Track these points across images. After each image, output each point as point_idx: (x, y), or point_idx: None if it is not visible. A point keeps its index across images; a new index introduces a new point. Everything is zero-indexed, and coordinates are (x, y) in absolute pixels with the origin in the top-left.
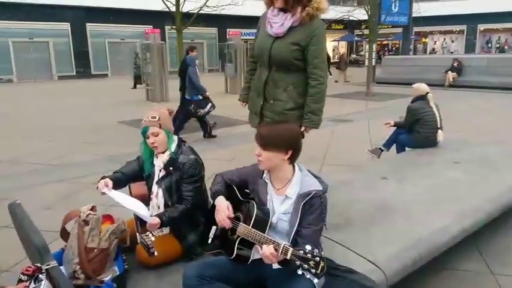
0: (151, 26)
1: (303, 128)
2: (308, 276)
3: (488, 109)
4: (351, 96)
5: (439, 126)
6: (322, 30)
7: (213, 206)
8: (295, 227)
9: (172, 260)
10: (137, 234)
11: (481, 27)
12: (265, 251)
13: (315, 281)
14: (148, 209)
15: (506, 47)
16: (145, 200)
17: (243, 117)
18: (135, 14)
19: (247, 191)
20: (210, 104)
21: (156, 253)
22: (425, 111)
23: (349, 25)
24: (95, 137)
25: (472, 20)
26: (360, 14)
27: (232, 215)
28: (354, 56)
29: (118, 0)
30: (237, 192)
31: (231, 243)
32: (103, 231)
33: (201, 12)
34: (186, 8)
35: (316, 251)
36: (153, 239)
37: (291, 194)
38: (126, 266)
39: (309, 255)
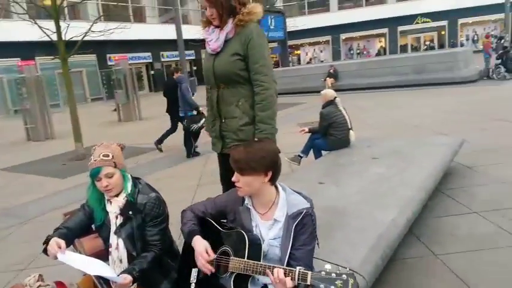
0: (19, 59)
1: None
2: None
3: (369, 107)
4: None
5: (350, 127)
6: (258, 34)
7: (188, 246)
8: (289, 250)
9: None
10: None
11: (343, 36)
12: (278, 280)
13: None
14: (108, 265)
15: (365, 52)
16: (102, 255)
17: (147, 145)
18: None
19: (224, 221)
20: (203, 119)
21: None
22: (336, 115)
23: None
24: None
25: (335, 30)
26: None
27: (212, 258)
28: None
29: None
30: (215, 224)
31: (225, 282)
32: None
33: (84, 39)
34: (68, 35)
35: (340, 268)
36: None
37: (280, 216)
38: None
39: (334, 275)
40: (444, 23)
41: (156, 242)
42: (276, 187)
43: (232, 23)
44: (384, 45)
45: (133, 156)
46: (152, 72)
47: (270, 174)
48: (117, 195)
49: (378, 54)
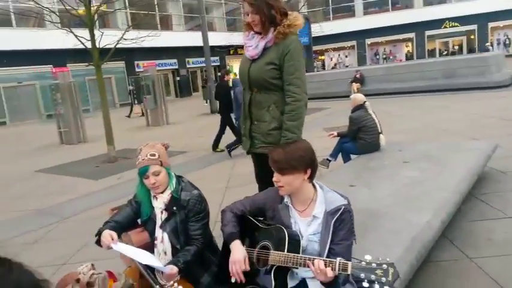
0: (51, 65)
1: None
2: (377, 286)
3: (397, 112)
4: None
5: (380, 131)
6: (296, 48)
7: (225, 244)
8: (328, 245)
9: None
10: (157, 287)
11: (368, 41)
12: (319, 270)
13: None
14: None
15: (391, 57)
16: (148, 248)
17: (175, 149)
18: (30, 55)
19: (261, 219)
20: None
21: None
22: (366, 119)
23: None
24: (12, 191)
25: (360, 35)
26: None
27: (248, 269)
28: None
29: (9, 42)
30: (255, 221)
31: (265, 275)
32: None
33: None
34: (102, 43)
35: (380, 258)
36: (181, 287)
37: (319, 213)
38: None
39: (374, 265)
40: (474, 27)
41: (198, 236)
42: (314, 185)
43: (273, 33)
44: (410, 50)
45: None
46: (178, 78)
47: (309, 171)
48: (162, 192)
49: (406, 59)
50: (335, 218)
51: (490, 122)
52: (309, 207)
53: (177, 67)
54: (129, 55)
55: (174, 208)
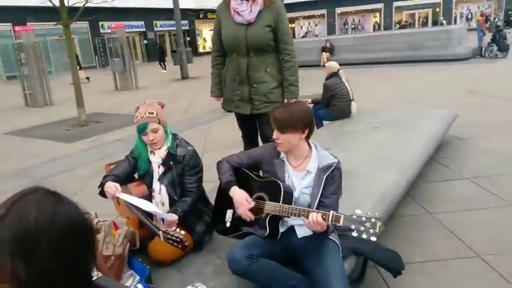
0: (10, 24)
1: (285, 100)
2: (364, 236)
3: (365, 81)
4: None
5: (352, 98)
6: (284, 9)
7: (222, 191)
8: (318, 198)
9: (185, 253)
10: (160, 232)
11: (338, 10)
12: (315, 220)
13: (372, 238)
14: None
15: (359, 27)
16: (147, 199)
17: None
18: None
19: (255, 173)
20: None
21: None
22: (339, 86)
23: None
24: None
25: (330, 4)
26: None
27: (252, 205)
28: None
29: None
30: (251, 174)
31: (259, 222)
32: (115, 237)
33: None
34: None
35: (368, 213)
36: (183, 232)
37: (312, 168)
38: (148, 267)
39: (364, 218)
40: None
41: (193, 188)
42: (309, 143)
43: None
44: (378, 21)
45: None
46: (145, 41)
47: (306, 131)
48: (159, 148)
49: (374, 29)
50: (327, 174)
51: (452, 93)
52: (303, 163)
53: (144, 30)
54: (93, 15)
55: (171, 163)
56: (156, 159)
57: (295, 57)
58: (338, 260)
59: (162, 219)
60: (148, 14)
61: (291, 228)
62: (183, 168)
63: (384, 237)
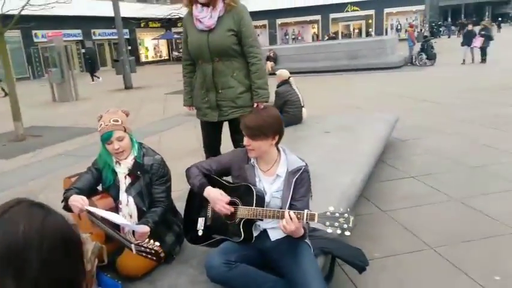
0: None
1: (255, 105)
2: (338, 232)
3: (309, 89)
4: None
5: (302, 105)
6: (247, 13)
7: (191, 199)
8: (288, 201)
9: (155, 265)
10: (132, 245)
11: (279, 21)
12: (289, 218)
13: (346, 233)
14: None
15: (299, 38)
16: (113, 211)
17: (90, 125)
18: None
19: (225, 179)
20: None
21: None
22: (290, 93)
23: (166, 23)
24: None
25: (271, 15)
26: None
27: (229, 199)
28: (176, 53)
29: None
30: (221, 180)
31: (233, 228)
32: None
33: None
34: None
35: (341, 209)
36: (157, 243)
37: (281, 172)
38: (119, 282)
39: (337, 214)
40: (372, 12)
41: (163, 198)
42: (277, 148)
43: (223, 2)
44: (316, 32)
45: (83, 135)
46: (83, 50)
47: (276, 137)
48: (125, 158)
49: (312, 40)
50: (296, 177)
51: (389, 98)
52: (273, 168)
53: (81, 38)
54: (26, 24)
55: (138, 172)
56: (122, 169)
57: (262, 60)
58: (313, 259)
59: (133, 232)
60: (85, 22)
61: (264, 232)
62: (151, 177)
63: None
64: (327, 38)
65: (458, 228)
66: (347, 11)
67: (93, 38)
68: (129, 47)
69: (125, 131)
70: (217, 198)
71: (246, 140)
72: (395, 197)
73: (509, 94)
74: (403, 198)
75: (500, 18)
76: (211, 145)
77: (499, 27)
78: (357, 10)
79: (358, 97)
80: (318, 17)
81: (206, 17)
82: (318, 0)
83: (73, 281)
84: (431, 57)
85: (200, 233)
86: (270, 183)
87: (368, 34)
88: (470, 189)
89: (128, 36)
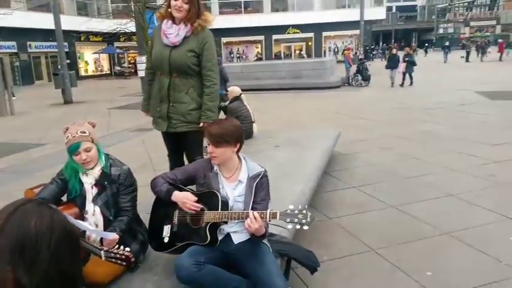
0: None
1: (201, 124)
2: (298, 227)
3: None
4: (137, 106)
5: (253, 120)
6: (212, 39)
7: (156, 208)
8: (251, 204)
9: (121, 272)
10: (102, 252)
11: (224, 40)
12: (252, 217)
13: (305, 227)
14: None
15: (244, 56)
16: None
17: (30, 140)
18: None
19: (190, 187)
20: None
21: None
22: (242, 109)
23: (109, 37)
24: None
25: (215, 34)
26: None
27: (196, 198)
28: (118, 68)
29: None
30: (185, 189)
31: (199, 232)
32: None
33: None
34: None
35: (299, 206)
36: (128, 249)
37: (243, 178)
38: None
39: (296, 211)
40: (311, 34)
41: (129, 207)
42: (238, 156)
43: (192, 24)
44: (260, 51)
45: (18, 152)
46: (17, 63)
47: (238, 145)
48: (92, 168)
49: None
50: (256, 182)
51: (330, 116)
52: (235, 174)
53: (16, 51)
54: None
55: (105, 182)
56: (89, 179)
57: (216, 85)
58: (273, 259)
59: (100, 239)
60: (21, 34)
61: (228, 236)
62: (118, 187)
63: (296, 240)
64: (255, 58)
65: (395, 231)
66: (288, 33)
67: (29, 50)
68: (68, 61)
69: (93, 141)
70: (185, 198)
71: (210, 148)
72: (340, 205)
73: (431, 113)
74: (347, 206)
75: (427, 44)
76: (173, 152)
77: (426, 52)
78: (298, 32)
79: (303, 114)
80: (261, 38)
81: (173, 34)
82: (261, 22)
83: (75, 276)
84: (366, 79)
85: (166, 239)
86: (233, 188)
87: (301, 56)
88: (405, 197)
89: (67, 50)
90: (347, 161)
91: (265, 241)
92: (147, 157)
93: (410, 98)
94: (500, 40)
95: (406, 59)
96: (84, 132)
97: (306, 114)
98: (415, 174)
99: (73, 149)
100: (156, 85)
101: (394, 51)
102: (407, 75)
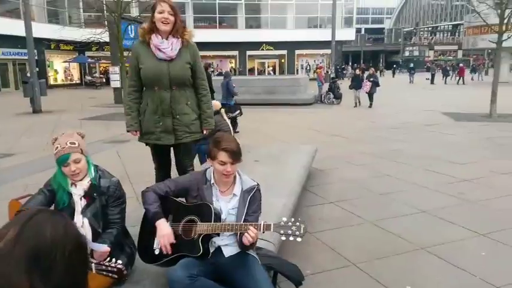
0: None
1: (204, 132)
2: (291, 238)
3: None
4: (110, 117)
5: (233, 134)
6: (198, 50)
7: (146, 222)
8: (243, 217)
9: (109, 286)
10: (92, 264)
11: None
12: (251, 232)
13: (298, 239)
14: None
15: (219, 70)
16: None
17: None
18: None
19: (182, 199)
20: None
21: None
22: (222, 123)
23: (81, 46)
24: None
25: None
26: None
27: (174, 241)
28: (89, 78)
29: None
30: (178, 201)
31: (191, 244)
32: None
33: None
34: None
35: (293, 219)
36: (120, 261)
37: (237, 191)
38: None
39: (290, 223)
40: (284, 52)
41: (118, 220)
42: None
43: (182, 37)
44: (234, 66)
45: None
46: None
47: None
48: (81, 179)
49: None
50: (250, 195)
51: (303, 132)
52: (230, 188)
53: None
54: None
55: (95, 194)
56: (78, 191)
57: (209, 92)
58: (262, 270)
59: (91, 251)
60: None
61: (218, 249)
62: (107, 199)
63: (279, 254)
64: (216, 73)
65: (374, 246)
66: (262, 50)
67: None
68: (37, 69)
69: (82, 153)
70: (167, 235)
71: (229, 167)
72: (319, 220)
73: (399, 132)
74: (326, 221)
75: (395, 66)
76: (164, 165)
77: (394, 73)
78: (271, 49)
79: (279, 130)
80: (235, 53)
81: (168, 48)
82: (236, 38)
83: (85, 285)
84: (338, 97)
85: (157, 252)
86: (227, 201)
87: (268, 73)
88: (380, 213)
89: (36, 57)
90: (323, 177)
91: (253, 253)
92: (122, 170)
93: (380, 117)
94: (461, 64)
95: (371, 79)
96: (74, 143)
97: (282, 130)
98: (389, 191)
99: (62, 160)
100: (151, 100)
101: (357, 71)
102: (366, 96)
